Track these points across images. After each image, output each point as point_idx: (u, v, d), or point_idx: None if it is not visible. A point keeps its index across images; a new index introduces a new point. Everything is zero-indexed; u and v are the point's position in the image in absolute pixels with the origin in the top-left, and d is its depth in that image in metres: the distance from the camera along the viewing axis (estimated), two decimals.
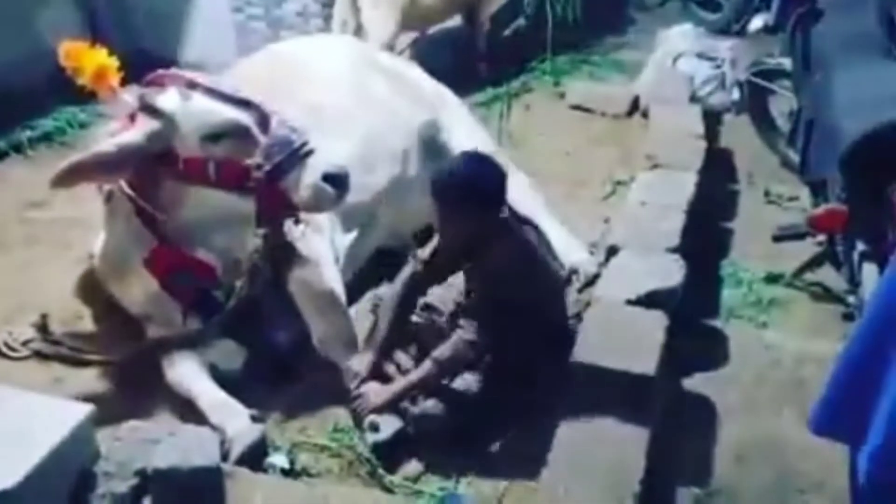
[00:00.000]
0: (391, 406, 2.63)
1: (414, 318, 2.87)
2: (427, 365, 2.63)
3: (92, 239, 3.10)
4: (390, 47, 4.63)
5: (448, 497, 2.32)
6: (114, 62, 2.67)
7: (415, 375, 2.67)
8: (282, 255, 2.85)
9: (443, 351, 2.61)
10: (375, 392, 2.66)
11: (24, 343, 2.91)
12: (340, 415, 2.71)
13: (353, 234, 3.16)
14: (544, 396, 2.61)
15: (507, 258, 2.59)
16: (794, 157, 3.71)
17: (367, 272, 3.22)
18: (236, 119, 2.60)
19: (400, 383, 2.68)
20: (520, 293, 2.58)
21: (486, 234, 2.59)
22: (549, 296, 2.79)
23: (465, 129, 3.70)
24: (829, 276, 3.30)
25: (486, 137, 3.83)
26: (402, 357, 2.83)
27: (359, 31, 4.75)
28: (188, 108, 2.61)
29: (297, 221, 2.81)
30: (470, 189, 2.53)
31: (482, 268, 2.65)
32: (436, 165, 3.39)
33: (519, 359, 2.66)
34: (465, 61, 5.23)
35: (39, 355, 2.89)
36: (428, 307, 2.89)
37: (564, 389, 2.53)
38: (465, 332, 2.59)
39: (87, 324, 3.06)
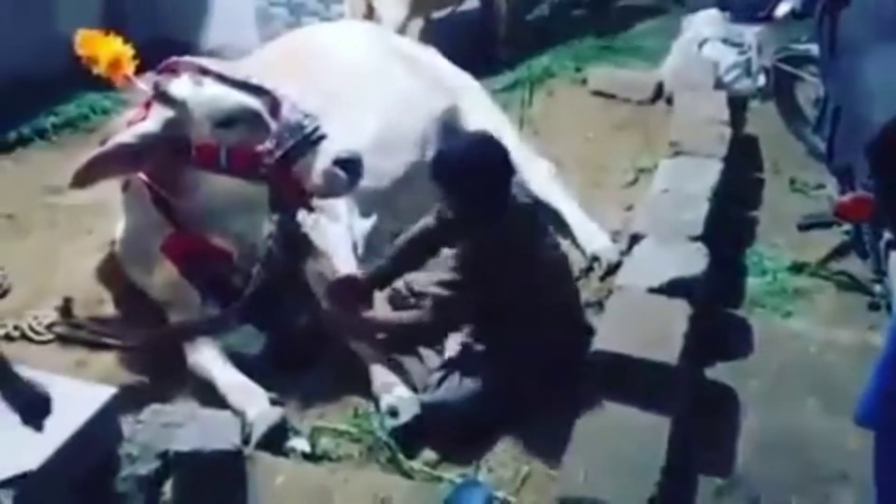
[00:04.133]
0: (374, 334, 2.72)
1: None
2: (414, 315, 2.70)
3: (113, 224, 3.13)
4: (402, 31, 4.60)
5: (467, 483, 2.31)
6: (128, 50, 2.68)
7: (404, 317, 2.74)
8: (296, 242, 2.85)
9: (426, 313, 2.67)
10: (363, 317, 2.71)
11: (48, 327, 2.93)
12: (360, 400, 2.72)
13: (372, 220, 3.16)
14: (562, 385, 2.60)
15: (503, 239, 2.55)
16: (821, 144, 3.66)
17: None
18: (247, 104, 2.61)
19: (387, 316, 2.75)
20: (511, 273, 2.54)
21: (487, 213, 2.56)
22: (551, 281, 2.73)
23: (485, 115, 3.68)
24: (854, 265, 3.26)
25: (506, 123, 3.81)
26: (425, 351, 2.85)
27: (370, 14, 4.73)
28: (200, 94, 2.61)
29: (310, 209, 2.80)
30: (469, 169, 2.50)
31: (479, 245, 2.61)
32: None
33: (528, 346, 2.62)
34: (485, 46, 5.19)
35: (62, 339, 2.92)
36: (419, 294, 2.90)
37: (585, 377, 2.52)
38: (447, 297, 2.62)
39: (109, 308, 3.09)
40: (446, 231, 2.75)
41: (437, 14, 5.28)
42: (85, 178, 2.56)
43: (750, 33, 4.74)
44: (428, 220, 2.78)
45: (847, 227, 3.22)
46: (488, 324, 2.65)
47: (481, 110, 3.70)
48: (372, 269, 2.84)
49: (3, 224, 3.58)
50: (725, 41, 4.71)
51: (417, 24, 5.06)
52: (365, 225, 3.13)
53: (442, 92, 3.57)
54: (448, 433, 2.58)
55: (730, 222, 3.50)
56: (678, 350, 2.50)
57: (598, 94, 4.69)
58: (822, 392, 2.72)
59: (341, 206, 3.01)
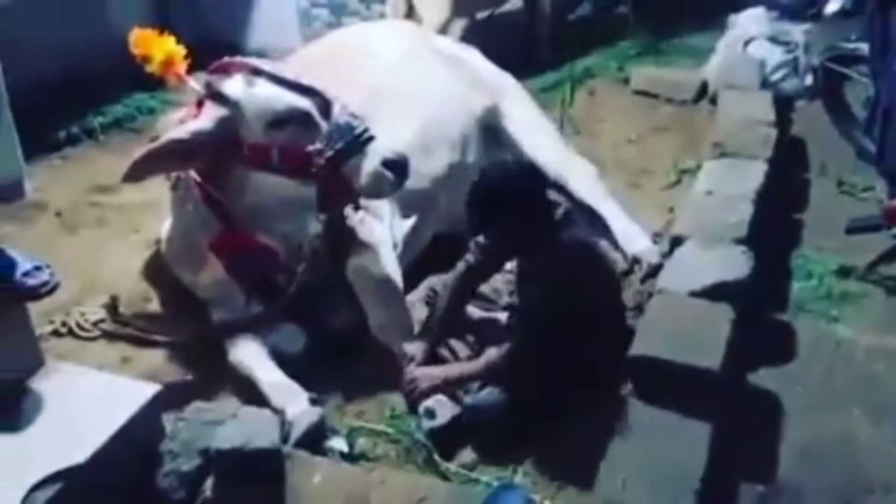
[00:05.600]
0: (440, 391, 2.64)
1: (469, 309, 2.88)
2: (480, 364, 2.65)
3: (159, 223, 3.18)
4: (443, 31, 4.60)
5: (504, 486, 2.31)
6: (181, 50, 2.73)
7: (467, 368, 2.69)
8: (341, 242, 2.87)
9: (496, 357, 2.62)
10: (427, 376, 2.67)
11: (95, 323, 2.98)
12: (397, 401, 2.73)
13: (412, 220, 3.16)
14: (603, 389, 2.58)
15: (556, 263, 2.54)
16: (870, 146, 3.59)
17: (425, 258, 3.22)
18: (299, 105, 2.63)
19: (452, 370, 2.70)
20: (570, 295, 2.52)
21: (532, 238, 2.56)
22: (604, 294, 2.73)
23: (526, 116, 3.67)
24: None
25: (547, 124, 3.79)
26: (457, 345, 2.82)
27: (411, 14, 4.73)
28: (253, 94, 2.64)
29: (356, 207, 2.83)
30: (500, 199, 2.51)
31: (530, 273, 2.62)
32: (495, 152, 3.39)
33: (573, 354, 2.61)
34: (526, 46, 5.17)
35: (109, 335, 2.97)
36: (481, 297, 2.89)
37: (625, 383, 2.50)
38: (517, 341, 2.58)
39: (155, 305, 3.14)
40: (484, 267, 2.78)
41: (480, 14, 5.27)
42: (137, 172, 2.61)
43: (798, 32, 4.64)
44: (460, 267, 2.80)
45: None
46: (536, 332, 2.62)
47: (522, 110, 3.68)
48: (426, 334, 2.83)
49: (52, 221, 3.66)
50: (772, 39, 4.63)
51: (460, 24, 5.05)
52: (405, 225, 3.14)
53: (482, 92, 3.56)
54: (486, 436, 2.57)
55: (775, 225, 3.43)
56: (720, 355, 2.46)
57: (640, 93, 4.65)
58: (869, 400, 2.67)
59: (384, 206, 3.03)
